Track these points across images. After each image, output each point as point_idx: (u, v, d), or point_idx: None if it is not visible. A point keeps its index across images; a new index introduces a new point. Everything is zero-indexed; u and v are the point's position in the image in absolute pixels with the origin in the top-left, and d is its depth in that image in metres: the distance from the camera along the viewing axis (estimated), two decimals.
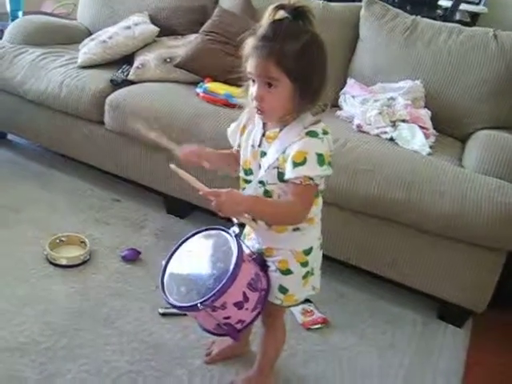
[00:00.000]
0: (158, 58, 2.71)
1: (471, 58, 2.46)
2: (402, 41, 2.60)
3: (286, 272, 1.44)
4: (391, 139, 2.25)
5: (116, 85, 2.61)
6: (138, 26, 2.86)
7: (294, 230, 1.40)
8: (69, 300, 1.94)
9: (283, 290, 1.46)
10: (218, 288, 1.30)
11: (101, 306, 1.93)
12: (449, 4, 4.33)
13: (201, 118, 2.33)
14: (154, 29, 2.86)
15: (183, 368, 1.72)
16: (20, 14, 3.54)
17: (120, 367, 1.68)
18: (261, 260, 1.46)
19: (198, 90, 2.52)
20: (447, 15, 4.23)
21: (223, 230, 1.45)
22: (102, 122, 2.57)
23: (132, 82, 2.65)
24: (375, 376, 1.81)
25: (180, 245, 1.51)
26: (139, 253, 2.23)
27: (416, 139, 2.23)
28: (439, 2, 4.46)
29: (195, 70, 2.64)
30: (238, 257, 1.33)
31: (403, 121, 2.32)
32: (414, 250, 2.07)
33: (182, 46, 2.76)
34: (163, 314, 1.92)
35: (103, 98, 2.53)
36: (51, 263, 2.11)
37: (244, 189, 1.43)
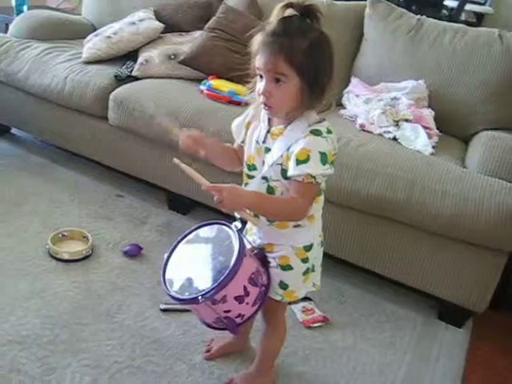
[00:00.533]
0: (162, 54, 2.72)
1: (476, 59, 2.46)
2: (407, 40, 2.60)
3: (287, 268, 1.45)
4: (394, 139, 2.25)
5: (120, 80, 2.62)
6: (143, 21, 2.86)
7: (295, 226, 1.40)
8: (70, 294, 1.94)
9: (284, 285, 1.47)
10: (218, 281, 1.31)
11: (102, 300, 1.94)
12: (454, 4, 4.32)
13: (204, 114, 2.33)
14: (159, 25, 2.86)
15: (183, 363, 1.72)
16: (25, 8, 3.54)
17: (120, 362, 1.69)
18: (262, 255, 1.47)
19: (202, 87, 2.52)
20: (453, 15, 4.22)
21: (225, 225, 1.45)
22: (105, 118, 2.57)
23: (136, 78, 2.65)
24: (375, 375, 1.82)
25: (182, 238, 1.52)
26: (141, 248, 2.24)
27: (419, 139, 2.23)
28: (445, 2, 4.45)
29: (199, 66, 2.65)
30: (239, 251, 1.34)
31: (406, 120, 2.32)
32: (414, 250, 2.07)
33: (187, 43, 2.77)
34: (164, 310, 1.93)
35: (107, 93, 2.54)
36: (53, 257, 2.11)
37: (247, 184, 1.43)
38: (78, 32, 3.14)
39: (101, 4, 3.32)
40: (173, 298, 1.39)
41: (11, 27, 3.07)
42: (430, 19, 2.68)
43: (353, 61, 2.76)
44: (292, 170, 1.28)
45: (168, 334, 1.84)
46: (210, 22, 2.76)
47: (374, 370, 1.83)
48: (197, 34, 2.80)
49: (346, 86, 2.66)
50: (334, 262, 2.17)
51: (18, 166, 2.80)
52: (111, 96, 2.51)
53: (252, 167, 1.42)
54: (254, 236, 1.51)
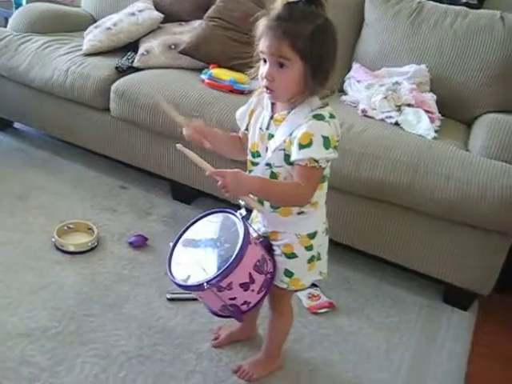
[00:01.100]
0: (162, 44, 2.71)
1: (477, 41, 2.44)
2: (408, 24, 2.58)
3: (291, 256, 1.46)
4: (396, 124, 2.25)
5: (121, 72, 2.61)
6: (143, 12, 2.85)
7: (299, 213, 1.41)
8: (77, 286, 1.96)
9: (289, 273, 1.48)
10: (224, 268, 1.32)
11: (109, 291, 1.95)
12: None
13: (206, 104, 2.33)
14: (158, 15, 2.85)
15: (191, 352, 1.74)
16: (24, 1, 3.53)
17: (128, 351, 1.71)
18: (267, 243, 1.47)
19: (203, 77, 2.52)
20: None
21: (231, 213, 1.46)
22: (107, 109, 2.57)
23: (137, 69, 2.65)
24: (381, 359, 1.83)
25: (188, 227, 1.52)
26: (146, 239, 2.25)
27: (421, 123, 2.22)
28: None
29: (200, 56, 2.64)
30: (244, 238, 1.34)
31: (408, 105, 2.32)
32: (418, 234, 2.07)
33: (187, 33, 2.76)
34: (171, 300, 1.94)
35: (108, 85, 2.53)
36: (59, 250, 2.12)
37: (251, 171, 1.44)
38: (78, 24, 3.13)
39: None
40: (178, 285, 1.40)
41: (10, 21, 3.06)
42: (431, 2, 2.65)
43: (354, 46, 2.75)
44: (295, 155, 1.29)
45: (175, 323, 1.85)
46: (210, 10, 2.74)
47: (381, 355, 1.85)
48: (196, 23, 2.79)
49: (348, 71, 2.65)
50: (338, 248, 2.18)
51: (21, 160, 2.81)
52: (113, 87, 2.51)
53: (256, 154, 1.42)
54: (258, 224, 1.52)
